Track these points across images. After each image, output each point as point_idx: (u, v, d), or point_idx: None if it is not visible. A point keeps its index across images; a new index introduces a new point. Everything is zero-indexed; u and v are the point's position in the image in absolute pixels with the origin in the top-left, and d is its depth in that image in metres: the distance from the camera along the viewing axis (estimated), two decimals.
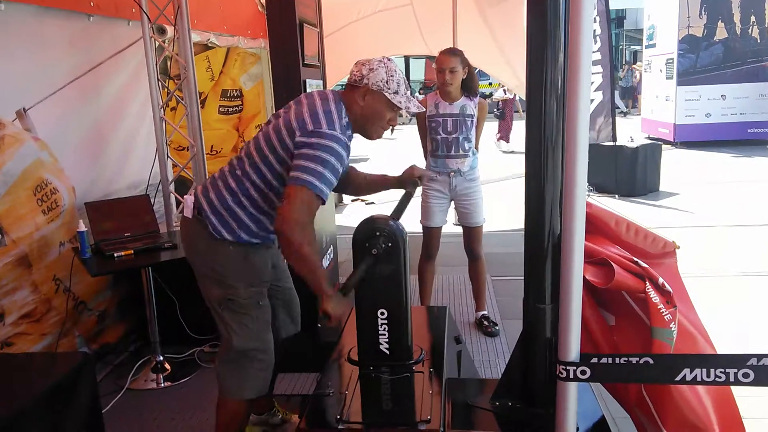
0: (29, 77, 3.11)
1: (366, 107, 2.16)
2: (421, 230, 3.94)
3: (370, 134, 2.25)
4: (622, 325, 1.83)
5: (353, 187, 2.57)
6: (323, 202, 2.05)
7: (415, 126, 3.95)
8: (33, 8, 3.10)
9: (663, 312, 1.66)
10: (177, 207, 4.11)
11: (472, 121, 3.69)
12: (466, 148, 3.71)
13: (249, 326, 2.25)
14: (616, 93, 12.62)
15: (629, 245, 1.90)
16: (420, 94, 26.85)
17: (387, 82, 2.12)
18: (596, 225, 1.91)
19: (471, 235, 3.89)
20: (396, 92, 2.14)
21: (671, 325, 1.66)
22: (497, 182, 9.14)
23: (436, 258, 3.99)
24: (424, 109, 2.51)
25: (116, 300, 3.74)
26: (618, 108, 12.80)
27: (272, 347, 2.33)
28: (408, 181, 2.43)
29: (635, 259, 1.77)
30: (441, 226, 3.94)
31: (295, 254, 2.01)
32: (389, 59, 2.18)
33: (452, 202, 3.91)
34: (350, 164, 2.44)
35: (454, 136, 3.69)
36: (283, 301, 2.55)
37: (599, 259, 1.78)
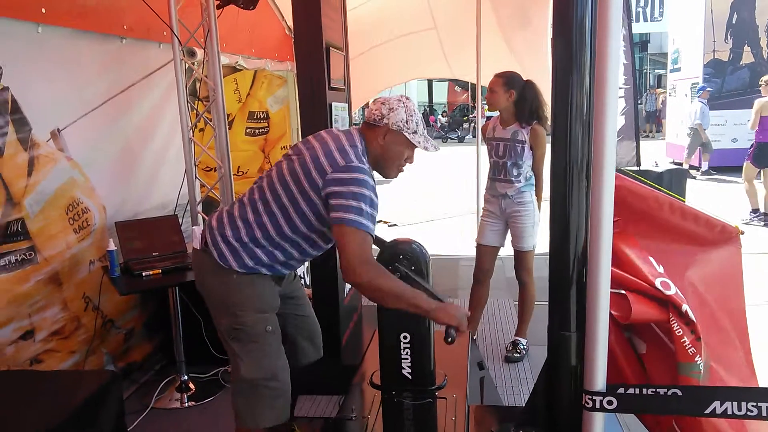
0: (63, 98, 3.18)
1: (386, 146, 2.18)
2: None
3: (388, 173, 2.25)
4: (653, 353, 1.78)
5: None
6: (372, 236, 2.03)
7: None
8: (68, 31, 3.18)
9: (687, 345, 1.60)
10: None
11: (522, 147, 3.62)
12: (514, 174, 3.66)
13: (257, 355, 2.21)
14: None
15: (675, 228, 1.78)
16: (442, 116, 26.97)
17: (407, 122, 2.14)
18: (630, 204, 1.77)
19: (517, 258, 3.81)
20: (415, 132, 2.16)
21: (696, 359, 1.60)
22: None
23: (487, 283, 3.93)
24: (439, 149, 2.38)
25: (143, 319, 3.78)
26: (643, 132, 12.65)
27: (285, 374, 2.28)
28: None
29: (658, 285, 1.68)
30: (494, 246, 3.88)
31: (377, 292, 2.00)
32: (407, 98, 2.21)
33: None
34: None
35: (503, 161, 3.69)
36: (304, 329, 2.54)
37: (619, 290, 1.70)
